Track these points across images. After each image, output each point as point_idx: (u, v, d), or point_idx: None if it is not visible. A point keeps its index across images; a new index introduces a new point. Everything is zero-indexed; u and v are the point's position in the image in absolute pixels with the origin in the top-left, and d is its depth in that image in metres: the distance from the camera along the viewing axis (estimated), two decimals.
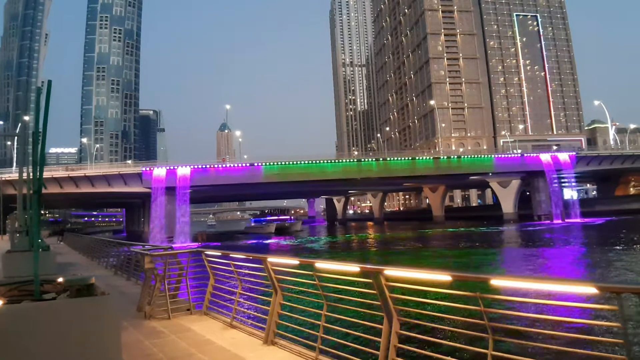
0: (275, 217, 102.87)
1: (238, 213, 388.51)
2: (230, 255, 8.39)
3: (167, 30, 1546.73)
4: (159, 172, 68.43)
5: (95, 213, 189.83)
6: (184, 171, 68.86)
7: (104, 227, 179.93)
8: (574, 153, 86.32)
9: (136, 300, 10.46)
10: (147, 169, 69.41)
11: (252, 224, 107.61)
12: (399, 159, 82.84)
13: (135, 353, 6.84)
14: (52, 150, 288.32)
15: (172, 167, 69.24)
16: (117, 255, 20.75)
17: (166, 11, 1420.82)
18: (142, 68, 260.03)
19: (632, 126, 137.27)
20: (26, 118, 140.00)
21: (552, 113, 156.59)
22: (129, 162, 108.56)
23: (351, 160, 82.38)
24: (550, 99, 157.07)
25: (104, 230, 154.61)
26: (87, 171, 71.16)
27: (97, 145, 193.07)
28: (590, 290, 3.41)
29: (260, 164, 73.22)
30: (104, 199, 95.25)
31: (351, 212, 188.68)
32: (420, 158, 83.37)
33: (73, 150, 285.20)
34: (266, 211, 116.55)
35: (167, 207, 67.58)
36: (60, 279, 4.25)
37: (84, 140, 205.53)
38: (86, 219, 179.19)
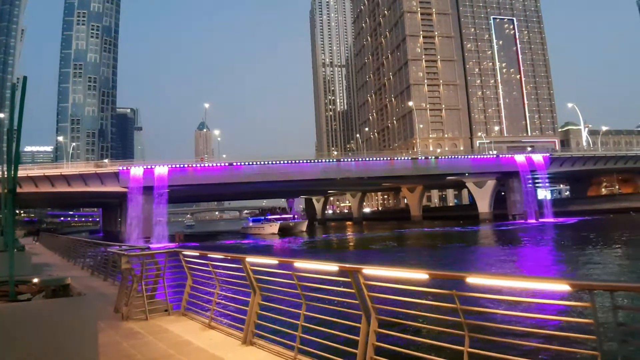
0: (277, 216, 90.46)
1: (216, 213, 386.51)
2: (208, 255, 8.35)
3: (145, 27, 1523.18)
4: (136, 171, 67.48)
5: (71, 213, 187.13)
6: (161, 170, 68.00)
7: (80, 227, 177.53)
8: (548, 154, 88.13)
9: (113, 301, 10.32)
10: (124, 168, 68.39)
11: (250, 224, 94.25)
12: (378, 159, 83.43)
13: (113, 354, 6.77)
14: (28, 148, 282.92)
15: (149, 167, 68.34)
16: (93, 256, 20.45)
17: (145, 8, 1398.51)
18: (120, 65, 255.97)
19: (604, 128, 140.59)
20: (1, 115, 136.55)
21: (527, 115, 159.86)
22: (106, 161, 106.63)
23: (330, 160, 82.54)
24: (525, 101, 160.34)
25: (80, 230, 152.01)
26: (63, 170, 69.78)
27: (74, 144, 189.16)
28: (564, 287, 3.51)
29: (239, 163, 72.81)
30: (80, 199, 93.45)
31: (330, 212, 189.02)
32: (399, 158, 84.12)
33: (49, 148, 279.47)
34: (265, 209, 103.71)
35: (144, 207, 66.65)
36: (35, 280, 4.19)
37: (60, 138, 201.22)
38: (62, 218, 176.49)
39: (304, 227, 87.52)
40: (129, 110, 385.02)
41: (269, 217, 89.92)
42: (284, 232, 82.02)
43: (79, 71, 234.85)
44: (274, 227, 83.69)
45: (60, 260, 26.70)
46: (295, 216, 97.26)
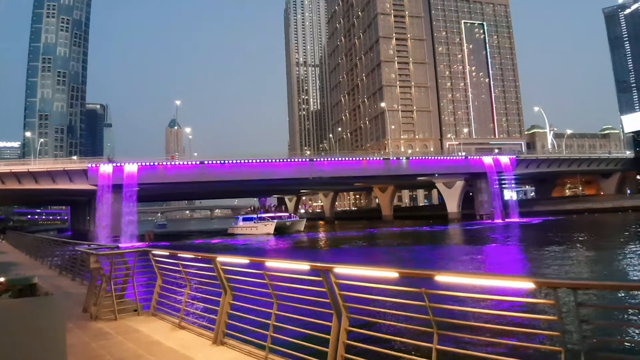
0: (272, 214, 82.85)
1: (187, 212, 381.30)
2: (178, 254, 8.29)
3: (117, 23, 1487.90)
4: (106, 168, 66.03)
5: (39, 211, 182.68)
6: (131, 168, 66.70)
7: (48, 226, 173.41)
8: (514, 156, 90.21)
9: (82, 301, 10.15)
10: (93, 165, 66.85)
11: (240, 223, 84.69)
12: (351, 159, 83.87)
13: (81, 355, 6.66)
14: None
15: (119, 164, 66.98)
16: (61, 255, 20.02)
17: (116, 3, 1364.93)
18: (90, 60, 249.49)
19: (568, 132, 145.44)
20: None
21: (495, 118, 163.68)
22: (75, 157, 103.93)
23: (303, 159, 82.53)
24: (493, 104, 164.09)
25: (48, 229, 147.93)
26: (30, 167, 67.86)
27: (42, 140, 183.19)
28: (528, 285, 3.61)
29: (211, 162, 72.00)
30: (48, 196, 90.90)
31: (303, 211, 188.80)
32: (371, 159, 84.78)
33: (16, 144, 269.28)
34: (259, 207, 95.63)
35: (113, 206, 65.26)
36: (1, 279, 4.08)
37: (28, 134, 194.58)
38: (29, 216, 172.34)
39: (301, 226, 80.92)
40: (98, 107, 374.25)
41: (262, 215, 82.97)
42: (280, 231, 75.68)
43: (48, 65, 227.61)
44: (269, 227, 76.52)
45: (27, 259, 26.19)
46: (292, 215, 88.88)
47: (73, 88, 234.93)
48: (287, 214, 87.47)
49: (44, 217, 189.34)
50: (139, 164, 67.80)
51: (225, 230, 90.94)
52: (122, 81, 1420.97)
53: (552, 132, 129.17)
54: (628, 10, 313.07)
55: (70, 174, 67.21)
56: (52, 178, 66.53)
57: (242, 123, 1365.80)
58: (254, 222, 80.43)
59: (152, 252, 9.14)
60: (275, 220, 77.75)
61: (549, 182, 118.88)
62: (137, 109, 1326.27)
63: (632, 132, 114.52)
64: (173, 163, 72.44)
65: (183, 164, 72.23)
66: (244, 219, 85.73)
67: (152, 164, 69.32)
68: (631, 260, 28.72)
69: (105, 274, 9.29)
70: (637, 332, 10.62)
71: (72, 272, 16.06)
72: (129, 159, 68.92)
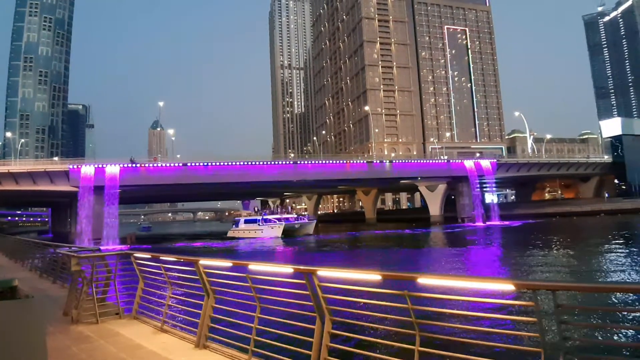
0: (278, 216, 76.61)
1: (169, 214, 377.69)
2: (161, 257, 8.23)
3: (100, 23, 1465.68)
4: (87, 170, 65.04)
5: (19, 212, 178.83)
6: (113, 170, 65.83)
7: (28, 227, 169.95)
8: (495, 160, 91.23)
9: (62, 304, 9.98)
10: (75, 166, 65.78)
11: (242, 226, 77.17)
12: (334, 162, 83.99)
13: (62, 359, 6.57)
14: None
15: (100, 165, 66.05)
16: (42, 257, 19.65)
17: (101, 3, 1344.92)
18: (73, 60, 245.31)
19: (548, 136, 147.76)
20: None
21: (477, 122, 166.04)
22: (56, 159, 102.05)
23: (287, 162, 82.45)
24: (475, 109, 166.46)
25: (28, 231, 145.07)
26: (10, 167, 66.54)
27: (22, 140, 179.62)
28: (509, 287, 3.67)
29: (193, 164, 71.43)
30: (28, 198, 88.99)
31: None
32: (355, 162, 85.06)
33: None
34: (264, 207, 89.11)
35: (95, 207, 64.27)
36: None
37: (8, 134, 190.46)
38: (9, 218, 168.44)
39: (311, 229, 75.74)
40: (80, 107, 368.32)
41: (267, 217, 76.42)
42: (288, 234, 70.98)
43: (30, 64, 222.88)
44: (277, 230, 71.59)
45: (7, 261, 25.71)
46: (300, 216, 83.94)
47: (55, 88, 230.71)
48: (294, 215, 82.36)
49: (24, 218, 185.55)
50: (121, 165, 67.04)
51: (220, 232, 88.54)
52: (104, 82, 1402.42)
53: (532, 136, 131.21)
54: (607, 18, 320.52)
55: (51, 175, 66.08)
56: (32, 179, 65.33)
57: (226, 125, 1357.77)
58: (258, 225, 74.40)
59: (134, 254, 9.05)
60: (283, 223, 73.03)
61: (529, 186, 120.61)
62: (119, 110, 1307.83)
63: (610, 137, 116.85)
64: (155, 165, 71.73)
65: (165, 165, 71.55)
66: (246, 221, 78.72)
67: (134, 165, 68.56)
68: (607, 261, 29.34)
69: (87, 276, 9.17)
70: (616, 332, 10.85)
71: (53, 274, 15.76)
72: (111, 160, 68.11)
